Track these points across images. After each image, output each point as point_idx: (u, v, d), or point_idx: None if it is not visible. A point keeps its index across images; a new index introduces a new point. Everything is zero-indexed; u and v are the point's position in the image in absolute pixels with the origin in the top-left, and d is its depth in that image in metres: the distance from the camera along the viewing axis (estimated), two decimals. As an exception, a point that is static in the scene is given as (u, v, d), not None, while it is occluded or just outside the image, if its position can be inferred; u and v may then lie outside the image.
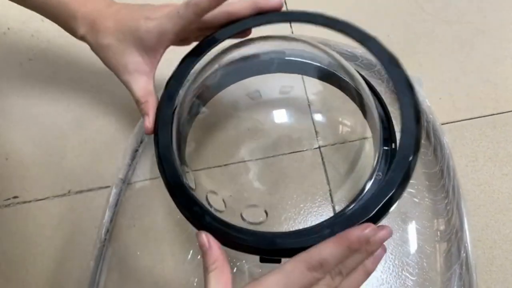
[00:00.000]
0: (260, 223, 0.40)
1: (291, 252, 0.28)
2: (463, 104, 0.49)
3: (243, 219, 0.39)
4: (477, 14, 0.54)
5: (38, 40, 0.56)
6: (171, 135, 0.34)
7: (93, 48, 0.39)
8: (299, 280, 0.27)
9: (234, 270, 0.39)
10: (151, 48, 0.37)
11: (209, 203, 0.38)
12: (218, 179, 0.45)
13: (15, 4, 0.52)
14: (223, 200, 0.40)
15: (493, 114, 0.48)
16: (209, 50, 0.37)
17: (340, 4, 0.56)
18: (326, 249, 0.27)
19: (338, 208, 0.43)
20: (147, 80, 0.37)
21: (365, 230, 0.27)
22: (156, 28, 0.36)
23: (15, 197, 0.48)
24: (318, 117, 0.47)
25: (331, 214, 0.43)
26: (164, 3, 0.38)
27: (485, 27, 0.53)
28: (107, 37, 0.37)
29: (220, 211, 0.38)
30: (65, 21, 0.40)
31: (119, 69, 0.38)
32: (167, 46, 0.38)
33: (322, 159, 0.46)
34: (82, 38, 0.39)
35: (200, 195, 0.37)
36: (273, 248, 0.29)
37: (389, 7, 0.56)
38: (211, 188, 0.41)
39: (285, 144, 0.46)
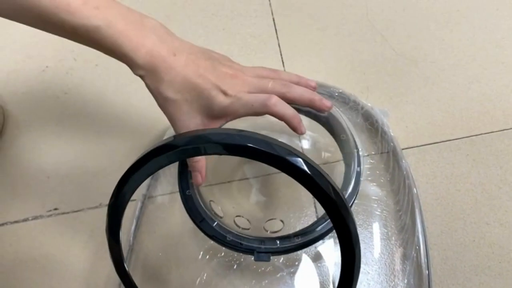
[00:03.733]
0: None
1: None
2: (426, 131, 0.58)
3: (236, 224, 0.48)
4: (439, 55, 0.63)
5: (72, 76, 0.66)
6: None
7: (151, 90, 0.37)
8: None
9: (235, 267, 0.49)
10: (216, 118, 0.38)
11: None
12: (222, 195, 0.55)
13: (52, 45, 0.62)
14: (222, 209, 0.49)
15: (450, 140, 0.57)
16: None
17: (327, 47, 0.66)
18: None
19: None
20: None
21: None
22: (229, 108, 0.37)
23: (56, 209, 0.57)
24: (305, 143, 0.57)
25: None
26: (231, 63, 0.41)
27: (445, 66, 0.62)
28: (172, 91, 0.36)
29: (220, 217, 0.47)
30: (121, 60, 0.36)
31: (177, 124, 0.38)
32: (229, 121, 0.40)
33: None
34: (139, 76, 0.37)
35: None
36: None
37: (366, 50, 0.65)
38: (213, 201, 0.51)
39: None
